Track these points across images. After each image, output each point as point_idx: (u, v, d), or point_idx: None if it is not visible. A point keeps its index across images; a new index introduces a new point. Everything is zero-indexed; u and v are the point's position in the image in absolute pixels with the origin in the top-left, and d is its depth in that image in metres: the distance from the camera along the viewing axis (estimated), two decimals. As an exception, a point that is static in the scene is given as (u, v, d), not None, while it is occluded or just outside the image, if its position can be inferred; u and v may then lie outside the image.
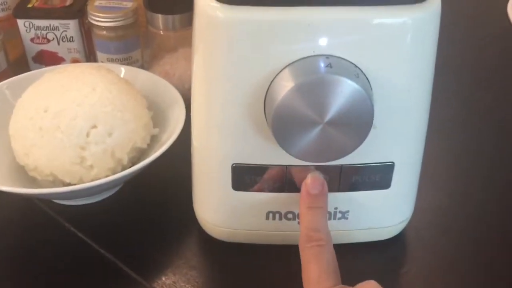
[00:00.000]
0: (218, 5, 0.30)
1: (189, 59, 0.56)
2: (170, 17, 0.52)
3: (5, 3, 0.56)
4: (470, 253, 0.40)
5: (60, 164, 0.39)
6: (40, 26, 0.54)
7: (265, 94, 0.31)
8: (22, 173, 0.42)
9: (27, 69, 0.58)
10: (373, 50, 0.30)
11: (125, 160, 0.41)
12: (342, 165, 0.34)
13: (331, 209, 0.36)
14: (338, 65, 0.30)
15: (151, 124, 0.44)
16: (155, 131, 0.45)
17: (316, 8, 0.29)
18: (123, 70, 0.50)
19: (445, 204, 0.44)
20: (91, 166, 0.40)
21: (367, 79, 0.31)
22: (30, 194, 0.40)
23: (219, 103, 0.33)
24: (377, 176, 0.35)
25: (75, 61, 0.57)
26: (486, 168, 0.48)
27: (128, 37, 0.54)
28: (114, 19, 0.53)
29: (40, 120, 0.39)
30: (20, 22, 0.54)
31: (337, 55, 0.30)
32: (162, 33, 0.53)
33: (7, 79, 0.52)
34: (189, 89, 0.55)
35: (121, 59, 0.55)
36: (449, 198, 0.45)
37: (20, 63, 0.58)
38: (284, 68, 0.30)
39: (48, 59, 0.57)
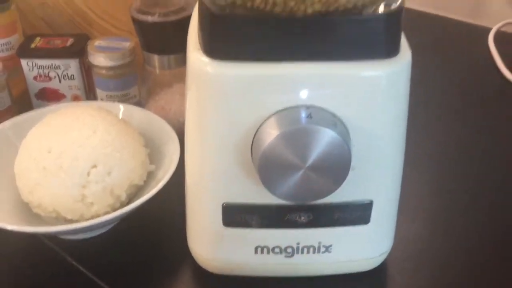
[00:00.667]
0: (208, 60, 0.33)
1: (183, 95, 0.59)
2: (165, 57, 0.55)
3: (9, 43, 0.59)
4: (451, 284, 0.43)
5: (63, 202, 0.42)
6: (43, 65, 0.57)
7: (252, 140, 0.34)
8: (26, 209, 0.44)
9: (30, 105, 0.60)
10: (350, 101, 0.33)
11: (123, 197, 0.44)
12: (324, 203, 0.37)
13: (315, 243, 0.39)
14: (318, 115, 0.33)
15: (147, 161, 0.47)
16: (151, 167, 0.47)
17: (298, 64, 0.32)
18: (121, 108, 0.53)
19: (426, 236, 0.47)
20: (92, 203, 0.43)
21: (345, 126, 0.34)
22: (35, 232, 0.42)
23: (211, 148, 0.36)
24: (357, 213, 0.38)
25: (75, 97, 0.60)
26: (466, 199, 0.51)
27: (126, 75, 0.57)
28: (113, 59, 0.56)
29: (43, 161, 0.42)
30: (24, 62, 0.57)
31: (318, 105, 0.33)
32: (158, 72, 0.56)
33: (11, 115, 0.55)
34: (184, 123, 0.58)
35: (119, 96, 0.58)
36: (429, 230, 0.47)
37: (24, 99, 0.61)
38: (269, 117, 0.33)
39: (50, 96, 0.60)
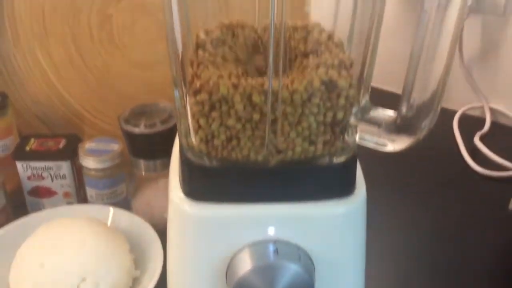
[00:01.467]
0: (186, 200, 0.37)
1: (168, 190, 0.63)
2: (151, 162, 0.59)
3: (5, 145, 0.63)
4: None
5: (53, 313, 0.45)
6: (36, 167, 0.62)
7: (226, 268, 0.38)
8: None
9: (23, 201, 0.64)
10: (313, 235, 0.38)
11: (110, 305, 0.48)
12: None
13: None
14: (284, 249, 0.37)
15: (133, 267, 0.51)
16: (137, 273, 0.51)
17: (265, 205, 0.37)
18: (111, 210, 0.57)
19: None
20: (81, 314, 0.46)
21: (309, 257, 0.38)
22: None
23: (190, 273, 0.40)
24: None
25: (66, 194, 0.64)
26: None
27: (114, 176, 0.62)
28: (102, 162, 0.60)
29: (36, 275, 0.46)
30: (19, 164, 0.61)
31: (284, 239, 0.38)
32: (144, 174, 0.61)
33: (6, 214, 0.59)
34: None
35: (108, 193, 0.62)
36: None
37: (17, 194, 0.65)
38: (241, 249, 0.38)
39: (43, 193, 0.63)
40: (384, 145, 0.33)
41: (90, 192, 0.63)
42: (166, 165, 0.61)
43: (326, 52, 0.35)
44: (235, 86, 0.33)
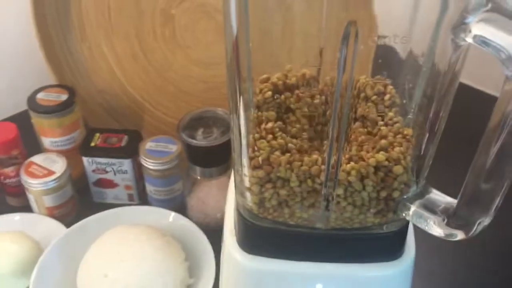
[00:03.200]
0: (239, 251, 0.40)
1: (222, 189, 0.65)
2: (207, 169, 0.61)
3: (73, 138, 0.67)
4: None
5: (115, 320, 0.50)
6: (101, 162, 0.65)
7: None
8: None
9: (88, 190, 0.69)
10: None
11: (166, 313, 0.52)
12: None
13: None
14: (329, 305, 0.39)
15: (187, 276, 0.55)
16: (191, 281, 0.55)
17: (314, 264, 0.39)
18: (172, 214, 0.61)
19: None
20: (139, 322, 0.51)
21: (354, 310, 0.40)
22: None
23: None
24: None
25: (127, 187, 0.68)
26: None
27: (172, 175, 0.65)
28: (161, 164, 0.63)
29: (100, 285, 0.50)
30: (84, 159, 0.65)
31: (330, 294, 0.39)
32: (199, 179, 0.63)
33: (73, 204, 0.64)
34: (222, 218, 0.65)
35: (165, 191, 0.66)
36: None
37: (82, 181, 0.69)
38: (289, 299, 0.40)
39: (106, 185, 0.68)
40: (436, 231, 0.33)
41: (149, 187, 0.66)
42: (221, 172, 0.63)
43: (385, 129, 0.34)
44: (292, 168, 0.33)
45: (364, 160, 0.33)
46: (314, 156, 0.34)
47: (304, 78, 0.38)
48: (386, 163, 0.33)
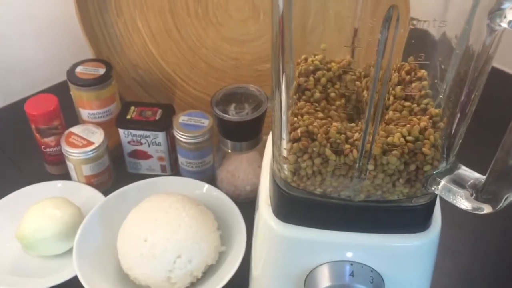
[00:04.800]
0: (275, 219, 0.42)
1: (251, 163, 0.68)
2: (238, 143, 0.64)
3: (109, 110, 0.70)
4: None
5: (153, 281, 0.54)
6: (136, 134, 0.68)
7: (305, 278, 0.44)
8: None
9: (123, 160, 0.72)
10: (387, 261, 0.42)
11: (200, 276, 0.55)
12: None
13: None
14: (359, 272, 0.42)
15: (220, 243, 0.58)
16: (223, 248, 0.58)
17: (347, 234, 0.41)
18: (206, 186, 0.64)
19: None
20: (175, 283, 0.54)
21: (381, 277, 0.42)
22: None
23: (270, 279, 0.45)
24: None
25: (161, 158, 0.71)
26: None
27: (203, 148, 0.67)
28: (193, 137, 0.66)
29: (141, 248, 0.54)
30: (121, 131, 0.68)
31: (359, 261, 0.42)
32: (230, 152, 0.66)
33: (109, 173, 0.67)
34: (251, 191, 0.68)
35: (197, 163, 0.69)
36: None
37: (117, 151, 0.72)
38: (322, 264, 0.42)
39: (140, 156, 0.71)
40: (463, 204, 0.36)
41: (181, 159, 0.69)
42: (251, 146, 0.66)
43: (418, 110, 0.36)
44: (330, 143, 0.36)
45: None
46: (349, 133, 0.36)
47: (342, 63, 0.40)
48: (413, 140, 0.35)
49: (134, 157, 0.71)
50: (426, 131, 0.36)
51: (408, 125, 0.36)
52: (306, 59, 0.40)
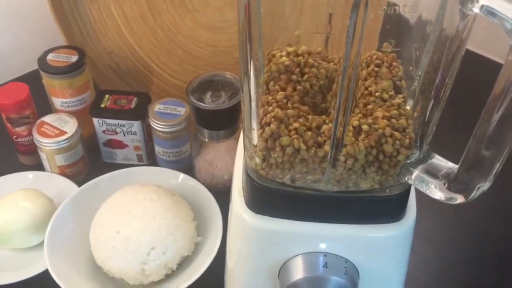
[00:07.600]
0: (247, 211, 0.41)
1: (229, 151, 0.67)
2: (215, 132, 0.63)
3: (83, 99, 0.68)
4: None
5: (127, 273, 0.53)
6: (111, 123, 0.67)
7: (279, 270, 0.43)
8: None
9: (98, 150, 0.70)
10: (361, 252, 0.41)
11: (175, 267, 0.54)
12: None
13: None
14: (332, 263, 0.41)
15: (195, 234, 0.57)
16: (199, 239, 0.57)
17: (321, 224, 0.40)
18: (181, 175, 0.63)
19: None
20: (149, 275, 0.53)
21: (355, 267, 0.42)
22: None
23: (245, 271, 0.44)
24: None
25: (136, 147, 0.69)
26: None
27: (180, 137, 0.66)
28: (169, 126, 0.64)
29: (113, 241, 0.52)
30: (95, 120, 0.67)
31: (333, 252, 0.41)
32: (207, 141, 0.65)
33: (84, 163, 0.66)
34: (229, 180, 0.67)
35: (173, 152, 0.67)
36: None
37: (92, 142, 0.70)
38: (296, 256, 0.42)
39: (115, 145, 0.69)
40: (437, 195, 0.35)
41: (158, 149, 0.68)
42: (229, 135, 0.64)
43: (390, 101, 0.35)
44: (299, 137, 0.35)
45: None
46: (322, 123, 0.35)
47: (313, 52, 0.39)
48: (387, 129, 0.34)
49: (109, 147, 0.70)
50: (393, 118, 0.35)
51: (377, 112, 0.35)
52: (274, 55, 0.38)
